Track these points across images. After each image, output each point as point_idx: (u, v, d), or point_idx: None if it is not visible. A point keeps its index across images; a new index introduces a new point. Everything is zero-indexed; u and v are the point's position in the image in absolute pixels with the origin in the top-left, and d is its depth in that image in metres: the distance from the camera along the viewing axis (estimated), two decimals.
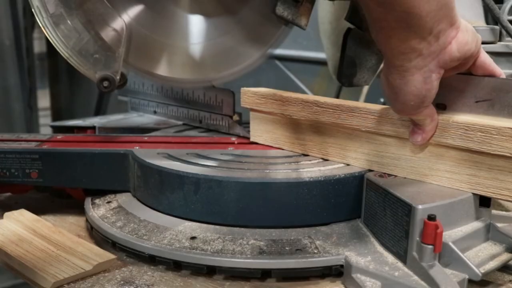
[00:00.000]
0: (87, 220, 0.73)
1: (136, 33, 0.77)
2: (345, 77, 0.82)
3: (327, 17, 1.00)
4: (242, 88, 0.81)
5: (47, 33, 0.72)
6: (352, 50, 0.79)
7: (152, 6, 0.77)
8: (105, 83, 0.73)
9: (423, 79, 0.54)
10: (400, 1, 0.48)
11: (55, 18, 0.72)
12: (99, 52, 0.74)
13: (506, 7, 0.83)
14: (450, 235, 0.56)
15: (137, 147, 0.77)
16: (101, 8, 0.74)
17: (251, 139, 0.82)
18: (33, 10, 0.71)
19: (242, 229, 0.64)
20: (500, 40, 0.86)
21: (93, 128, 0.99)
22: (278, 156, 0.75)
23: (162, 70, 0.78)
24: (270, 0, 0.75)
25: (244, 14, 0.78)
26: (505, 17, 0.82)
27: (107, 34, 0.75)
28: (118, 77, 0.74)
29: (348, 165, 0.70)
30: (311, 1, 0.73)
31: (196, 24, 0.78)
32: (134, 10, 0.76)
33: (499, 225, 0.60)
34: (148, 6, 0.77)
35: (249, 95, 0.80)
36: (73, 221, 0.77)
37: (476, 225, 0.59)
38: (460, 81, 0.61)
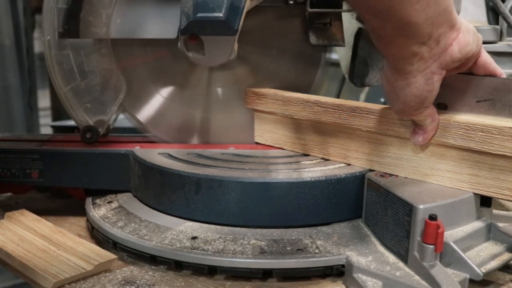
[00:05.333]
0: (88, 220, 0.73)
1: (166, 108, 0.80)
2: (357, 77, 0.82)
3: None
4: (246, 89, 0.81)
5: (50, 67, 0.74)
6: (364, 50, 0.80)
7: (182, 83, 0.79)
8: (88, 134, 0.75)
9: (424, 81, 0.54)
10: (395, 12, 0.48)
11: (63, 57, 0.73)
12: (92, 103, 0.76)
13: (507, 6, 0.83)
14: (451, 234, 0.56)
15: (138, 147, 0.77)
16: (107, 64, 0.75)
17: (255, 139, 0.82)
18: (43, 41, 0.73)
19: (243, 229, 0.64)
20: (500, 39, 0.86)
21: None
22: (279, 156, 0.75)
23: (194, 140, 0.80)
24: (300, 36, 0.76)
25: (274, 68, 0.80)
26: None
27: (105, 90, 0.76)
28: (102, 131, 0.76)
29: (349, 165, 0.70)
30: (339, 18, 0.74)
31: (225, 95, 0.80)
32: (166, 90, 0.79)
33: (500, 224, 0.60)
34: (179, 83, 0.79)
35: (250, 95, 0.80)
36: (74, 221, 0.77)
37: (477, 224, 0.59)
38: (461, 81, 0.61)
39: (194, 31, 0.63)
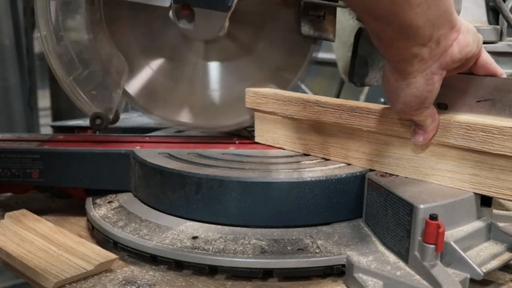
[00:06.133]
0: (88, 220, 0.73)
1: (157, 82, 0.78)
2: (357, 76, 0.82)
3: (338, 17, 1.00)
4: (246, 89, 0.81)
5: (50, 60, 0.73)
6: (364, 49, 0.80)
7: (173, 57, 0.78)
8: (98, 121, 0.75)
9: (425, 81, 0.54)
10: (396, 15, 0.48)
11: (62, 49, 0.73)
12: (97, 89, 0.75)
13: (508, 6, 0.83)
14: (451, 234, 0.56)
15: (138, 147, 0.77)
16: (106, 47, 0.75)
17: (255, 139, 0.82)
18: (39, 36, 0.73)
19: (244, 228, 0.64)
20: (501, 39, 0.86)
21: None
22: (280, 156, 0.75)
23: (182, 116, 0.80)
24: (290, 25, 0.76)
25: (266, 49, 0.79)
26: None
27: (109, 73, 0.76)
28: (111, 116, 0.75)
29: (349, 164, 0.70)
30: (333, 12, 0.74)
31: (214, 71, 0.79)
32: (156, 62, 0.78)
33: (500, 224, 0.60)
34: (170, 57, 0.78)
35: (250, 95, 0.80)
36: (74, 221, 0.77)
37: (478, 224, 0.59)
38: (462, 81, 0.61)
39: (188, 1, 0.63)
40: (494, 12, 0.92)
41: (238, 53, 0.81)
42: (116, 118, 0.79)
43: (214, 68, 0.81)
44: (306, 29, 0.74)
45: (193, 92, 0.81)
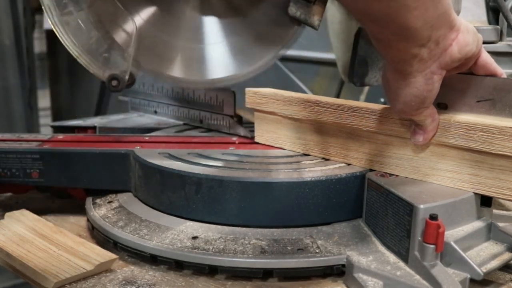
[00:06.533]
0: (88, 220, 0.73)
1: (147, 34, 0.77)
2: (357, 76, 0.82)
3: (337, 17, 1.00)
4: (246, 89, 0.81)
5: (57, 31, 0.72)
6: (364, 49, 0.79)
7: (163, 8, 0.77)
8: (114, 82, 0.73)
9: (424, 81, 0.54)
10: (393, 18, 0.48)
11: (66, 17, 0.72)
12: (109, 51, 0.74)
13: (508, 6, 0.83)
14: (451, 234, 0.56)
15: (138, 147, 0.77)
16: (111, 8, 0.74)
17: (255, 139, 0.82)
18: (43, 8, 0.72)
19: (244, 228, 0.64)
20: (501, 39, 0.86)
21: (93, 128, 0.99)
22: (280, 156, 0.75)
23: (173, 71, 0.78)
24: (282, 1, 0.75)
25: (255, 16, 0.79)
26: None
27: (117, 34, 0.75)
28: (127, 77, 0.74)
29: (349, 164, 0.70)
30: (323, 2, 0.73)
31: (207, 25, 0.78)
32: (146, 12, 0.77)
33: (500, 224, 0.60)
34: (160, 7, 0.77)
35: (250, 95, 0.80)
36: (74, 221, 0.77)
37: (478, 224, 0.59)
38: (462, 81, 0.61)
39: None
40: (494, 12, 0.92)
41: (230, 13, 0.80)
42: (132, 80, 0.78)
43: (206, 22, 0.80)
44: (293, 9, 0.74)
45: (186, 47, 0.80)
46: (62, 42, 0.73)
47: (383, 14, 0.48)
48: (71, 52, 0.74)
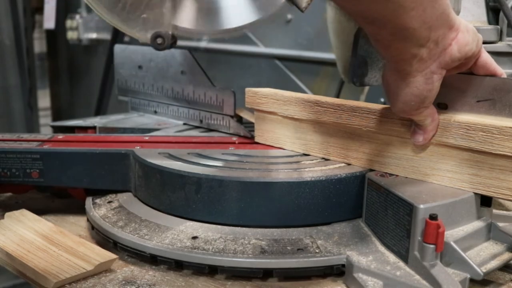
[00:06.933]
0: (88, 220, 0.73)
1: None
2: (357, 76, 0.82)
3: (337, 16, 1.00)
4: (246, 88, 0.81)
5: (90, 3, 0.71)
6: (364, 49, 0.79)
7: None
8: (159, 40, 0.72)
9: (424, 80, 0.54)
10: (390, 19, 0.48)
11: None
12: (146, 11, 0.73)
13: (508, 5, 0.83)
14: (451, 234, 0.56)
15: (138, 147, 0.77)
16: None
17: (255, 139, 0.82)
18: None
19: (244, 228, 0.64)
20: (501, 39, 0.86)
21: (93, 128, 0.98)
22: (279, 156, 0.75)
23: (184, 22, 0.77)
24: None
25: None
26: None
27: None
28: (170, 32, 0.73)
29: (349, 164, 0.70)
30: None
31: None
32: None
33: (500, 224, 0.60)
34: None
35: (250, 95, 0.80)
36: (74, 221, 0.77)
37: (478, 224, 0.59)
38: (462, 81, 0.61)
39: None
40: (494, 12, 0.92)
41: None
42: (175, 40, 0.77)
43: None
44: None
45: None
46: (96, 12, 0.71)
47: (380, 16, 0.48)
48: (108, 18, 0.72)
